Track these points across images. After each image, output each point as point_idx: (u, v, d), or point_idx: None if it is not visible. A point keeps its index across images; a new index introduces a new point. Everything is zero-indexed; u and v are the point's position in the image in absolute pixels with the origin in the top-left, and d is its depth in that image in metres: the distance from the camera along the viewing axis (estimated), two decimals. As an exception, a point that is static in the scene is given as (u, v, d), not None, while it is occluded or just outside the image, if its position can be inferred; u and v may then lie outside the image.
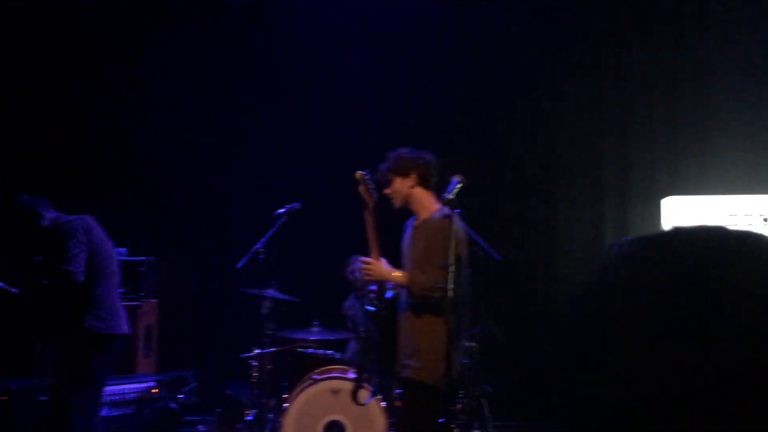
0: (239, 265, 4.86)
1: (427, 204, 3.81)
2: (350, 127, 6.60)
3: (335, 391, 4.72)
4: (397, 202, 3.84)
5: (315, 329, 5.27)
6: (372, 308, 3.85)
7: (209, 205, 6.82)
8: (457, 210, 3.83)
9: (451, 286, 3.28)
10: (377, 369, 3.93)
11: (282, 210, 5.03)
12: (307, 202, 5.12)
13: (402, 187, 3.81)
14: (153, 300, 6.21)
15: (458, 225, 3.62)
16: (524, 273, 6.36)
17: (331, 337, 5.28)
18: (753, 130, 6.08)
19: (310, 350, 5.17)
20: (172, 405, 5.59)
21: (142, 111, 6.94)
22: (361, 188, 3.82)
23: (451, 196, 3.39)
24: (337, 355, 5.14)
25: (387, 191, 3.84)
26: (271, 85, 6.92)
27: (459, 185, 3.41)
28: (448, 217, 3.59)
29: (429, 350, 3.64)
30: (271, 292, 5.10)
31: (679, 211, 5.89)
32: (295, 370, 5.06)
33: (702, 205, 5.88)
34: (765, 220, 5.74)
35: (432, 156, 3.87)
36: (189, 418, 5.77)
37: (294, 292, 5.30)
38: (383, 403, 4.58)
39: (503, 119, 6.62)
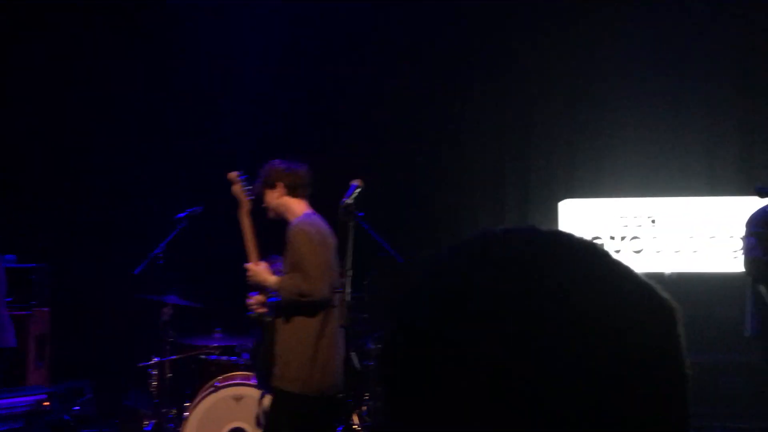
0: (137, 271, 4.72)
1: (296, 212, 3.78)
2: (252, 131, 6.51)
3: (238, 398, 4.64)
4: (270, 214, 3.82)
5: (217, 335, 5.18)
6: (253, 313, 3.81)
7: (105, 209, 6.57)
8: (361, 213, 3.85)
9: (349, 290, 3.29)
10: (261, 376, 3.88)
11: (182, 214, 4.91)
12: (208, 206, 5.02)
13: (271, 198, 3.79)
14: (45, 309, 5.95)
15: (320, 229, 3.63)
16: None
17: (234, 343, 5.20)
18: (642, 138, 6.41)
19: (213, 357, 5.06)
20: (66, 417, 5.36)
21: (32, 109, 6.63)
22: (235, 189, 3.80)
23: (350, 201, 3.41)
24: (241, 362, 5.06)
25: (263, 205, 3.83)
26: (169, 86, 6.73)
27: (358, 189, 3.44)
28: (307, 222, 3.57)
29: (291, 357, 3.60)
30: (171, 299, 4.98)
31: (575, 213, 6.14)
32: (197, 378, 4.95)
33: (596, 207, 6.16)
34: (653, 221, 6.06)
35: (300, 164, 3.84)
36: (84, 430, 5.54)
37: (196, 297, 5.18)
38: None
39: (406, 123, 6.70)
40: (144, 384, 5.01)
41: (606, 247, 0.61)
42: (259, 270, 3.70)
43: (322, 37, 6.73)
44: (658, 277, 5.82)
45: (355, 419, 5.09)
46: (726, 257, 5.88)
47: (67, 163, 6.65)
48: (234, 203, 3.85)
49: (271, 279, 3.68)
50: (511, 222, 6.61)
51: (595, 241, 0.62)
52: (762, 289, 4.25)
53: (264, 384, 3.84)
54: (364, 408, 5.29)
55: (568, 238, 0.61)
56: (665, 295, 0.59)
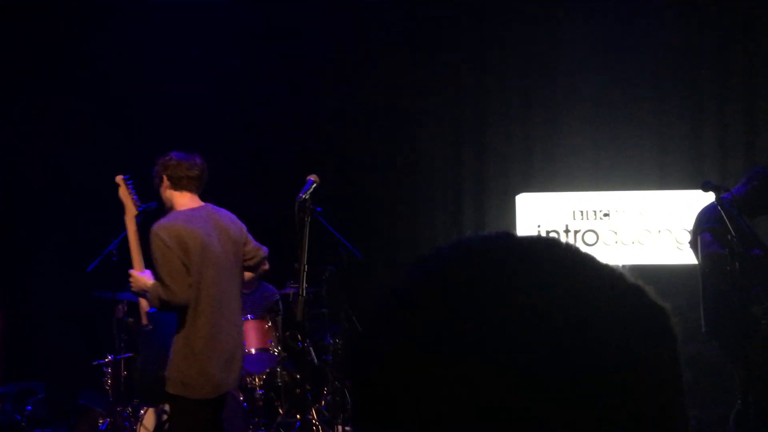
0: (90, 268, 4.64)
1: (179, 207, 3.63)
2: (206, 125, 6.44)
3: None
4: (165, 208, 3.70)
5: (173, 332, 5.12)
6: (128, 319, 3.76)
7: (56, 205, 6.43)
8: (319, 209, 3.84)
9: (304, 285, 3.29)
10: (139, 387, 3.79)
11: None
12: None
13: (161, 192, 3.68)
14: (-5, 307, 5.82)
15: (183, 228, 3.44)
16: (387, 272, 6.47)
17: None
18: (597, 132, 6.52)
19: (169, 354, 5.01)
20: (18, 417, 5.26)
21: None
22: (121, 192, 3.70)
23: (305, 196, 3.40)
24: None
25: None
26: (115, 80, 6.60)
27: (314, 185, 3.44)
28: (163, 225, 3.43)
29: (174, 361, 3.48)
30: (125, 295, 4.90)
31: (531, 207, 6.23)
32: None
33: (551, 201, 6.26)
34: (606, 215, 6.17)
35: (189, 156, 3.67)
36: (37, 430, 5.45)
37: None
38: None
39: (363, 118, 6.70)
40: (98, 382, 4.93)
41: (588, 251, 0.60)
42: (139, 277, 3.58)
43: (275, 33, 6.68)
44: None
45: (314, 413, 5.10)
46: (677, 250, 6.02)
47: (17, 160, 6.49)
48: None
49: (149, 285, 3.53)
50: (468, 217, 6.66)
51: (573, 243, 0.61)
52: (721, 283, 4.12)
53: (142, 395, 3.75)
54: (323, 402, 5.30)
55: (550, 243, 0.60)
56: (654, 295, 0.59)
